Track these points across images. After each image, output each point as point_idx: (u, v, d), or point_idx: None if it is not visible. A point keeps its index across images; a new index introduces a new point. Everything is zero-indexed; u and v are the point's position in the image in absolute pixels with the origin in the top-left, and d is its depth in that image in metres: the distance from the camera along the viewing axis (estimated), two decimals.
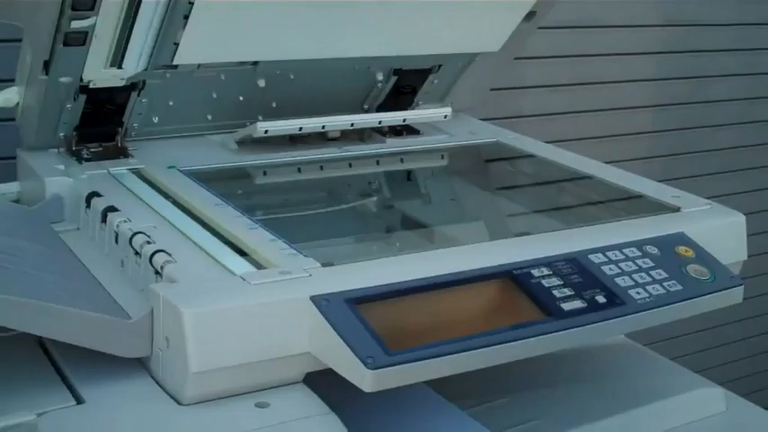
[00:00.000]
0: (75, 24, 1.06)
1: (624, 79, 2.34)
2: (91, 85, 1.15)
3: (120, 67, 1.15)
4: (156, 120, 1.26)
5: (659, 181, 1.27)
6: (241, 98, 1.31)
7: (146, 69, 1.17)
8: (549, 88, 2.21)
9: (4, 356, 0.90)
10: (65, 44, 1.08)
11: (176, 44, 1.15)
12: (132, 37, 1.12)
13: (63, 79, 1.14)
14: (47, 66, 1.11)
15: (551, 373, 1.09)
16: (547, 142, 1.44)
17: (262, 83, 1.29)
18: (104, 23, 1.08)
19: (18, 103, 1.21)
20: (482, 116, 1.54)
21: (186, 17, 1.12)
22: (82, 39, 1.08)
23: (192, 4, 1.10)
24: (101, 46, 1.11)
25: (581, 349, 1.09)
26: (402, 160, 1.37)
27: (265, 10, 1.15)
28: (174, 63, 1.18)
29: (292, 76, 1.31)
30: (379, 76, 1.39)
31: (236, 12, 1.14)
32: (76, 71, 1.13)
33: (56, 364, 0.90)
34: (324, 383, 0.87)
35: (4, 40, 1.40)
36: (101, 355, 0.86)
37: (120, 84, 1.18)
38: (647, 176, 1.28)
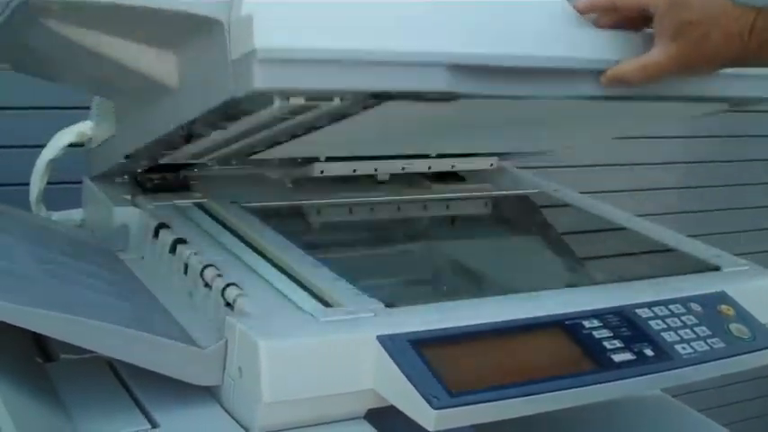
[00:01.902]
0: None
1: (658, 135, 2.39)
2: None
3: None
4: None
5: (689, 236, 1.32)
6: None
7: None
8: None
9: (79, 379, 0.94)
10: None
11: None
12: None
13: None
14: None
15: (583, 422, 1.12)
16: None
17: None
18: None
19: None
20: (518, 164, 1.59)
21: None
22: None
23: None
24: None
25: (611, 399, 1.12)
26: (448, 206, 1.42)
27: None
28: None
29: None
30: None
31: None
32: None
33: (127, 387, 0.94)
34: (379, 421, 0.91)
35: None
36: (169, 381, 0.90)
37: None
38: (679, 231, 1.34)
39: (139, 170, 1.23)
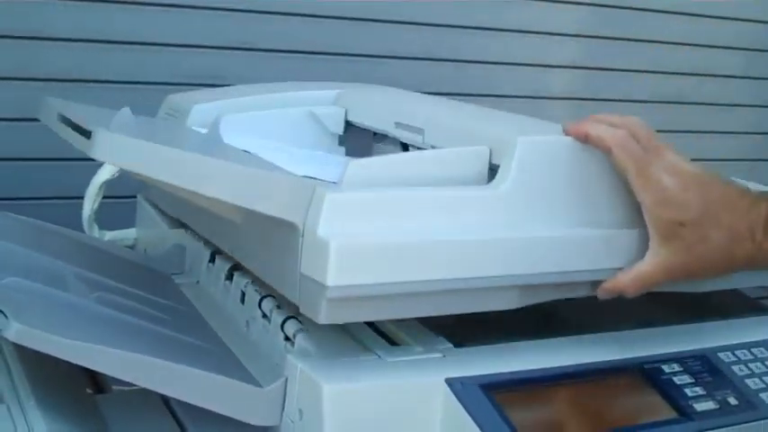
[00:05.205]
0: None
1: None
2: None
3: None
4: None
5: None
6: None
7: None
8: None
9: (130, 412, 0.90)
10: None
11: None
12: None
13: None
14: None
15: None
16: None
17: None
18: None
19: None
20: None
21: None
22: None
23: None
24: None
25: None
26: None
27: None
28: None
29: None
30: None
31: None
32: None
33: (180, 422, 0.90)
34: None
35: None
36: (224, 418, 0.85)
37: None
38: None
39: None
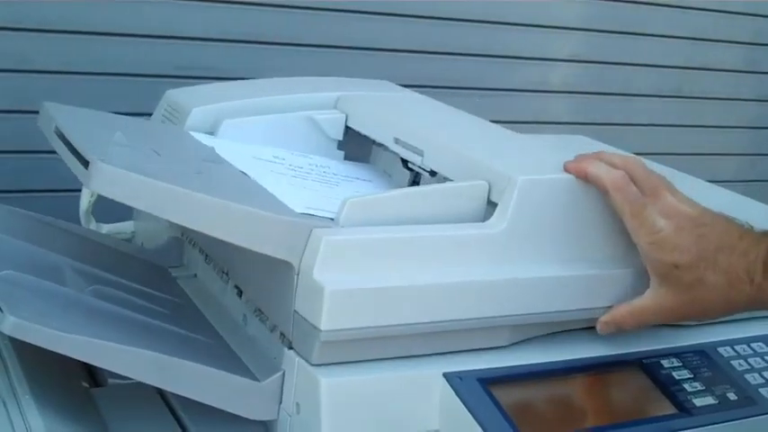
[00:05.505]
0: None
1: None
2: None
3: None
4: None
5: None
6: None
7: None
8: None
9: (126, 405, 0.90)
10: None
11: None
12: None
13: None
14: None
15: None
16: None
17: None
18: None
19: None
20: None
21: None
22: None
23: None
24: None
25: None
26: None
27: None
28: None
29: None
30: None
31: None
32: None
33: (177, 416, 0.90)
34: None
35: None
36: (221, 411, 0.85)
37: None
38: None
39: None
